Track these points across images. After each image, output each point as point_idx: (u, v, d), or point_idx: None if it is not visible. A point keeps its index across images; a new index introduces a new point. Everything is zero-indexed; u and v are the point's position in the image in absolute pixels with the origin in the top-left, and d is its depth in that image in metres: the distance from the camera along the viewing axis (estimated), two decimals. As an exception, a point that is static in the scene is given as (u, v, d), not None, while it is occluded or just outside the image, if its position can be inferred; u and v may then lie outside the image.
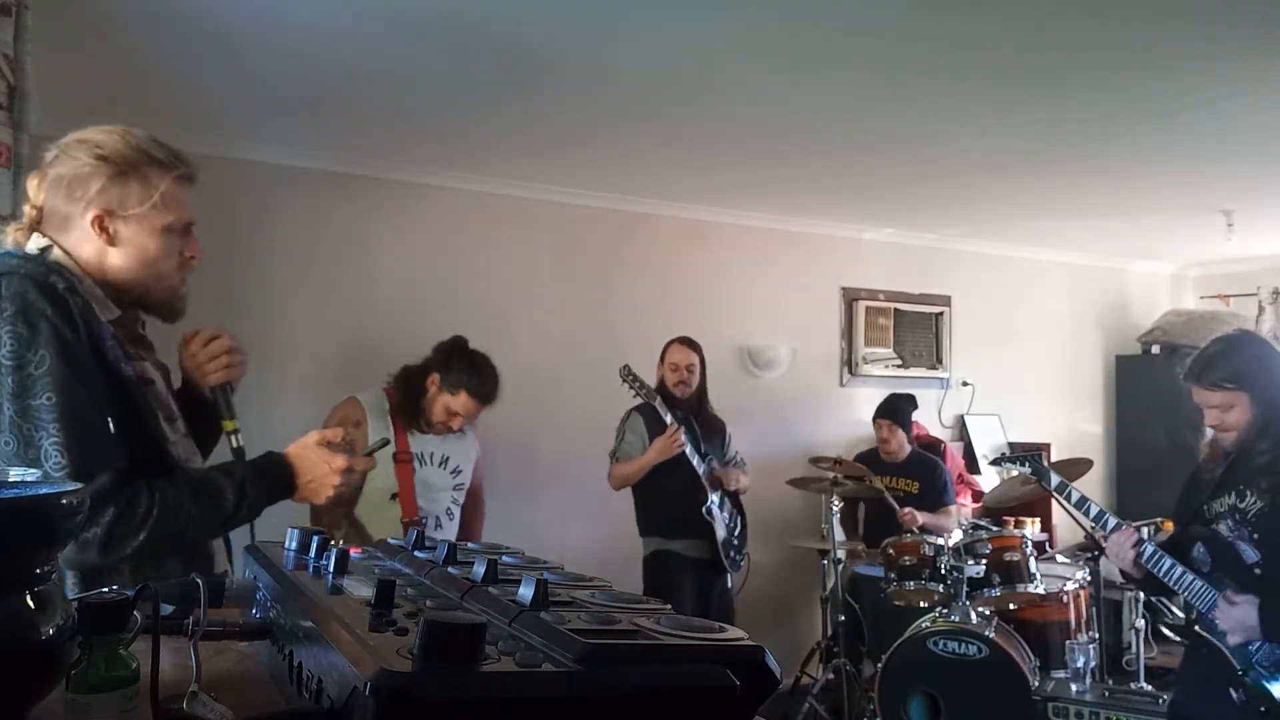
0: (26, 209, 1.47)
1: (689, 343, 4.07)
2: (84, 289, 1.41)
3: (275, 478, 1.50)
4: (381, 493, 3.14)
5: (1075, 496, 2.76)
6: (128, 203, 1.45)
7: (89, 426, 1.32)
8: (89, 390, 1.34)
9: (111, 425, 1.36)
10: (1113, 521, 2.63)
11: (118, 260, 1.47)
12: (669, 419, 3.84)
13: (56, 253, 1.44)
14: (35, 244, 1.45)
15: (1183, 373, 2.48)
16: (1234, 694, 2.28)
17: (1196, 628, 2.39)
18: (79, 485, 0.69)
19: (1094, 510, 2.69)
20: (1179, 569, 2.42)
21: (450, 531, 3.36)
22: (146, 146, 1.47)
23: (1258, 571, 2.31)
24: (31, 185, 1.47)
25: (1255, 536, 2.31)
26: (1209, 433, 2.49)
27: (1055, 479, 2.85)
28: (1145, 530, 2.70)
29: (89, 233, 1.44)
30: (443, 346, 3.24)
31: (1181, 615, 2.49)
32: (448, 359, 3.19)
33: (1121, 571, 2.69)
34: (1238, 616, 2.26)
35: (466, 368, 3.16)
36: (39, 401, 1.29)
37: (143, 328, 1.60)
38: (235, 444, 1.61)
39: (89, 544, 1.30)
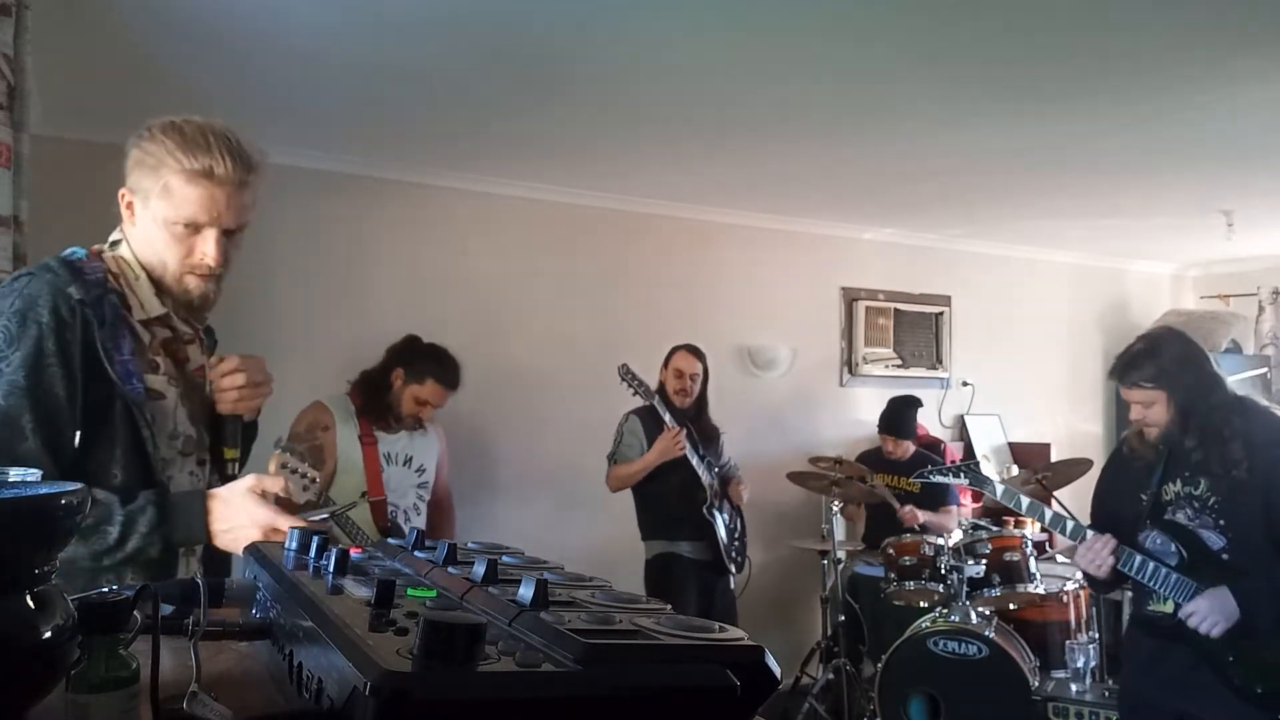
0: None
1: (695, 351, 4.03)
2: (126, 286, 1.49)
3: (183, 521, 1.42)
4: (351, 491, 3.24)
5: (1025, 504, 2.70)
6: (141, 187, 1.48)
7: (10, 425, 1.34)
8: (53, 403, 1.36)
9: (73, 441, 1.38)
10: (1072, 525, 2.60)
11: (138, 244, 1.52)
12: (669, 420, 3.83)
13: (122, 248, 1.52)
14: (115, 234, 1.54)
15: (1108, 369, 2.54)
16: (1233, 680, 2.28)
17: (1185, 621, 2.35)
18: (78, 486, 0.69)
19: (1048, 515, 2.66)
20: (1151, 565, 2.40)
21: (418, 525, 3.44)
22: (170, 140, 1.46)
23: (1225, 557, 2.33)
24: None
25: (1221, 523, 2.34)
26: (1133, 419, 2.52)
27: (1000, 489, 2.78)
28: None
29: (122, 211, 1.51)
30: (398, 346, 3.39)
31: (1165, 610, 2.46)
32: (408, 354, 3.34)
33: (1086, 575, 2.62)
34: (1218, 608, 2.27)
35: (429, 357, 3.32)
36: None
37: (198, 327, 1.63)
38: (232, 472, 1.58)
39: None
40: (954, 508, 4.57)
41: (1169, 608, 2.40)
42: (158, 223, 1.48)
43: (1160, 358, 2.42)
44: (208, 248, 1.49)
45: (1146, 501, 2.45)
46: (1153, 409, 2.42)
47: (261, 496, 1.44)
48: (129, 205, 1.50)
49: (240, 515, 1.42)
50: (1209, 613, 2.28)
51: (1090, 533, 2.53)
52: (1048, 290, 6.30)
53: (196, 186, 1.45)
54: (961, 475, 2.92)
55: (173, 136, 1.45)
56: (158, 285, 1.52)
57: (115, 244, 1.54)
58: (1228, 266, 6.54)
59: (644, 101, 3.35)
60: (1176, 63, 2.95)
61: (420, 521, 3.46)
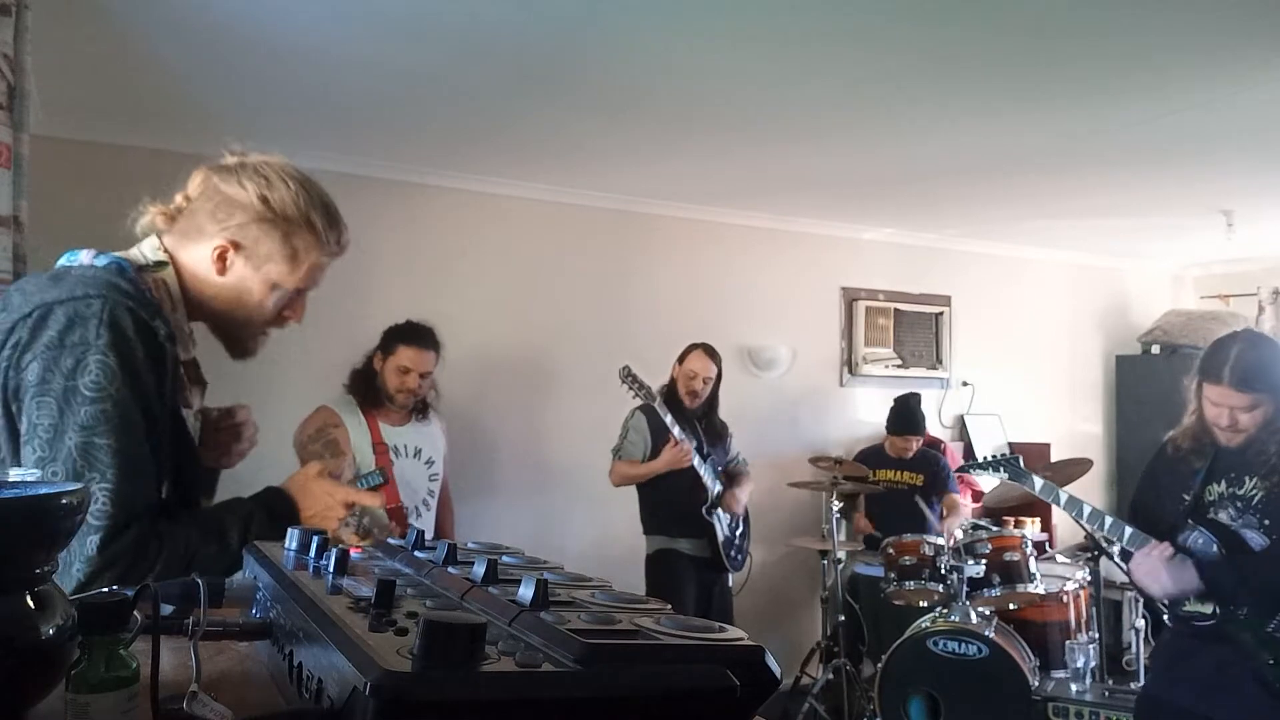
0: (179, 198, 1.45)
1: (711, 353, 3.98)
2: (177, 324, 1.40)
3: (281, 514, 1.45)
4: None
5: (1064, 499, 2.66)
6: (259, 249, 1.43)
7: (141, 479, 1.28)
8: (152, 441, 1.31)
9: (158, 478, 1.35)
10: (1128, 531, 2.49)
11: (218, 291, 1.44)
12: (676, 431, 3.82)
13: (168, 272, 1.42)
14: (153, 250, 1.42)
15: (1199, 368, 2.43)
16: (1269, 682, 2.22)
17: (1223, 623, 2.32)
18: (78, 486, 0.69)
19: (1086, 511, 2.62)
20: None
21: (428, 521, 3.44)
22: (311, 211, 1.46)
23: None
24: (195, 180, 1.45)
25: (1266, 523, 2.29)
26: (1185, 422, 2.46)
27: (1039, 483, 2.71)
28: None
29: (209, 255, 1.42)
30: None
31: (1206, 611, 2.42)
32: (381, 338, 3.43)
33: (1138, 588, 2.53)
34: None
35: (394, 330, 3.41)
36: (105, 442, 1.24)
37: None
38: None
39: (99, 582, 1.24)
40: (957, 495, 4.58)
41: (1207, 608, 2.35)
42: (263, 282, 1.44)
43: (1270, 360, 2.35)
44: (299, 309, 1.52)
45: (1189, 501, 2.41)
46: (1253, 413, 2.34)
47: (331, 476, 1.51)
48: (221, 256, 1.42)
49: (322, 499, 1.49)
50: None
51: (1126, 529, 2.48)
52: (1048, 290, 6.30)
53: (328, 261, 1.50)
54: (1001, 470, 2.85)
55: (318, 211, 1.46)
56: (201, 318, 1.48)
57: (160, 265, 1.42)
58: (1228, 266, 6.54)
59: (645, 102, 3.35)
60: (1176, 62, 2.95)
61: (429, 518, 3.44)
